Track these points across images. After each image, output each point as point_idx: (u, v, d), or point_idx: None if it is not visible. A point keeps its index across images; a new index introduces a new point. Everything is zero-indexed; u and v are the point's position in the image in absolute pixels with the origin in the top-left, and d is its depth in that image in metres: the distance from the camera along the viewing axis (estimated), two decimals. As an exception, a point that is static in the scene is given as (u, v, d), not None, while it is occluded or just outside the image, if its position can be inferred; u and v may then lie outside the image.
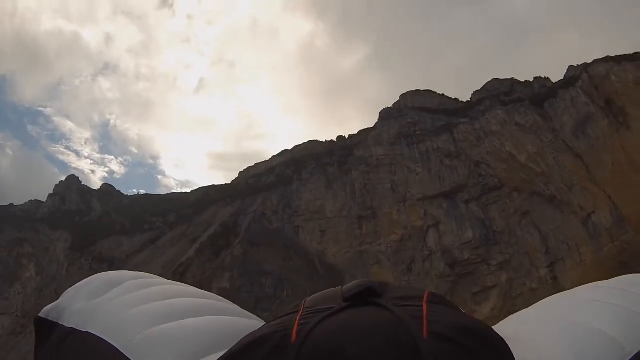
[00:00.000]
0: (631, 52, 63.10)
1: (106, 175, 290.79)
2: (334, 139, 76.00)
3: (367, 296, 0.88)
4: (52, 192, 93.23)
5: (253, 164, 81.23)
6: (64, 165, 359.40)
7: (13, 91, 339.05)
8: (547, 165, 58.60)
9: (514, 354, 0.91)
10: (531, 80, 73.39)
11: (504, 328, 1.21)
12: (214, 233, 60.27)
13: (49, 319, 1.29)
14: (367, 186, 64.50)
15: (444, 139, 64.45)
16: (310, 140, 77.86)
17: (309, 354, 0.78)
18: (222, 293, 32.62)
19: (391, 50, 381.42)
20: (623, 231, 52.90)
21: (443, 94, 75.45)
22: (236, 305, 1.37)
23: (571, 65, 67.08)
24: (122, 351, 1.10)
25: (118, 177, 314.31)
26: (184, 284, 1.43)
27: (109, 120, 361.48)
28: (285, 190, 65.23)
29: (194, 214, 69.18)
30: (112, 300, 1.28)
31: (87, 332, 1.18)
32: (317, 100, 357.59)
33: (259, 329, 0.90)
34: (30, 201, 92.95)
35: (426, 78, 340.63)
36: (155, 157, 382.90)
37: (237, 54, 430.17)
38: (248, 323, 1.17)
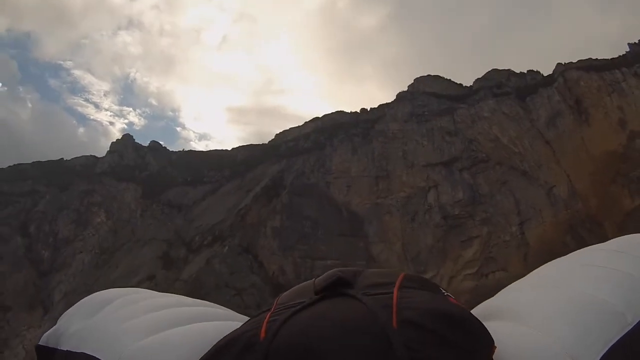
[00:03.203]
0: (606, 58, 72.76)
1: (125, 126, 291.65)
2: (358, 111, 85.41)
3: (338, 287, 0.92)
4: (109, 149, 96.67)
5: (288, 128, 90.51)
6: (82, 117, 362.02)
7: (37, 48, 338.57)
8: (523, 147, 67.59)
9: (510, 328, 0.98)
10: (525, 72, 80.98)
11: (501, 301, 1.20)
12: (265, 185, 70.84)
13: (49, 345, 1.35)
14: (384, 153, 73.23)
15: (446, 119, 73.75)
16: (338, 111, 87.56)
17: (277, 351, 0.78)
18: (275, 230, 53.11)
19: (410, 11, 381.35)
20: (575, 202, 61.98)
21: (450, 80, 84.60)
22: (229, 310, 1.49)
23: (559, 63, 75.00)
24: None
25: (137, 128, 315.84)
26: (176, 295, 1.55)
27: (129, 73, 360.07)
28: (320, 154, 75.01)
29: (246, 170, 79.24)
30: (104, 318, 1.31)
31: (81, 352, 1.21)
32: (336, 58, 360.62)
33: (233, 331, 0.91)
34: (85, 156, 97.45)
35: (444, 39, 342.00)
36: (175, 110, 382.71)
37: (259, 11, 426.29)
38: (235, 326, 1.03)
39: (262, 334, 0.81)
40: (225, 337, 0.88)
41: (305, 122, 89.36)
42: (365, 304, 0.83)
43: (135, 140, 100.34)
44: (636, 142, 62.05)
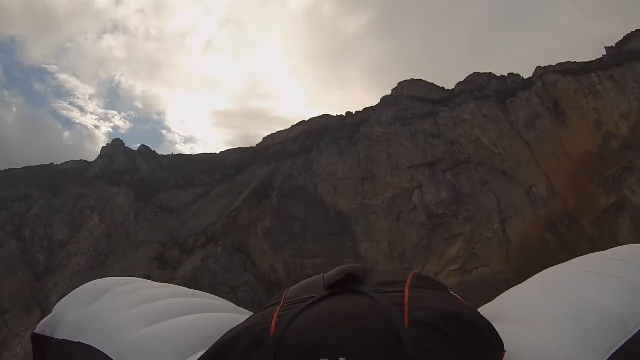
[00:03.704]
0: (581, 61, 75.06)
1: (111, 130, 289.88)
2: (344, 114, 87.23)
3: (348, 283, 0.91)
4: (99, 153, 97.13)
5: (275, 132, 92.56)
6: (67, 121, 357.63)
7: (22, 52, 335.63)
8: (503, 148, 69.69)
9: (512, 333, 0.94)
10: (506, 75, 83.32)
11: (501, 306, 1.19)
12: (255, 188, 72.36)
13: (45, 334, 1.35)
14: (369, 156, 74.99)
15: (428, 122, 75.72)
16: (324, 115, 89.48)
17: (287, 346, 0.77)
18: (265, 231, 56.14)
19: (395, 16, 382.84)
20: (554, 200, 64.05)
21: (432, 84, 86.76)
22: (228, 302, 1.50)
23: (539, 66, 77.35)
24: (112, 357, 1.11)
25: (123, 131, 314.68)
26: (173, 285, 1.57)
27: (114, 77, 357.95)
28: (307, 157, 76.59)
29: (235, 173, 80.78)
30: (102, 307, 1.31)
31: (78, 342, 1.20)
32: (322, 62, 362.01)
33: (241, 323, 0.89)
34: (76, 161, 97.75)
35: (428, 43, 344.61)
36: (160, 113, 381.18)
37: (245, 16, 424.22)
38: (236, 318, 1.09)
39: (273, 329, 0.81)
40: (232, 330, 0.88)
41: (292, 126, 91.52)
42: (376, 301, 0.83)
43: (126, 145, 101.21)
44: (611, 142, 64.47)
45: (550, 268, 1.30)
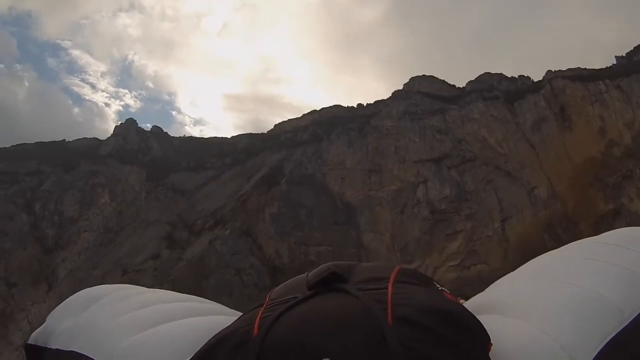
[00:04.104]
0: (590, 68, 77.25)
1: (121, 108, 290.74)
2: (355, 106, 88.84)
3: (331, 282, 0.89)
4: (112, 132, 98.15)
5: (287, 119, 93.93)
6: (78, 97, 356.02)
7: (37, 27, 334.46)
8: (508, 149, 70.65)
9: (506, 324, 0.93)
10: (516, 76, 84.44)
11: (496, 293, 1.16)
12: (265, 174, 73.85)
13: (38, 344, 1.32)
14: (377, 148, 75.85)
15: (437, 119, 76.61)
16: (335, 105, 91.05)
17: (270, 348, 0.75)
18: (273, 217, 59.16)
19: (408, 8, 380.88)
20: (554, 202, 65.22)
21: (444, 81, 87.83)
22: (220, 305, 1.46)
23: (549, 70, 78.68)
24: None
25: (133, 110, 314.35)
26: (166, 291, 1.53)
27: (127, 55, 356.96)
28: (318, 146, 77.94)
29: (246, 158, 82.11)
30: (94, 315, 1.28)
31: (71, 350, 1.19)
32: (334, 49, 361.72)
33: (226, 327, 0.87)
34: (88, 139, 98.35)
35: (442, 35, 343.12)
36: (171, 94, 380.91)
37: (261, 0, 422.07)
38: (228, 321, 0.99)
39: (255, 331, 0.80)
40: (217, 334, 0.86)
41: (304, 114, 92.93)
42: (359, 300, 0.81)
43: (139, 125, 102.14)
44: (614, 150, 65.83)
45: (546, 253, 1.30)
